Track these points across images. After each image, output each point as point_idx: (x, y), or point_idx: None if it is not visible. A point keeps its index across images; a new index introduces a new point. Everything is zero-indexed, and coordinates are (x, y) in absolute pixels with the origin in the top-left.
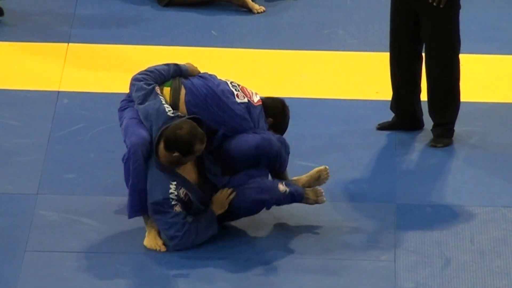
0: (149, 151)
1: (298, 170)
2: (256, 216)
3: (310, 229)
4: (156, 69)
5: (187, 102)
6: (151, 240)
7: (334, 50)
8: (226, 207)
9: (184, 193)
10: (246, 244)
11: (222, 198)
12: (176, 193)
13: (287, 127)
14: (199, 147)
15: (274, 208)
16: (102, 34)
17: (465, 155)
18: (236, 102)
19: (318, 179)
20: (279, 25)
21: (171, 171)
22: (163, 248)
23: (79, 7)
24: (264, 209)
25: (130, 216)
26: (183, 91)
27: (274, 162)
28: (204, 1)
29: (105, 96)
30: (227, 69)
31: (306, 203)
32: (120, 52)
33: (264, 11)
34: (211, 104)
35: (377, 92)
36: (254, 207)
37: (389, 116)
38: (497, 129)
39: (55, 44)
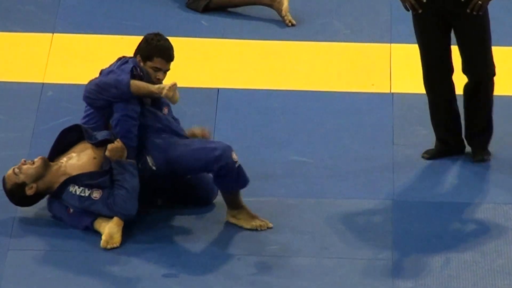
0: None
1: (292, 166)
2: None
3: (305, 226)
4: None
5: None
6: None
7: (328, 41)
8: (124, 150)
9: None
10: (238, 242)
11: (116, 146)
12: (81, 188)
13: (160, 48)
14: (20, 183)
15: (267, 205)
16: (89, 24)
17: (465, 150)
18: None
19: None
20: (272, 15)
21: (58, 190)
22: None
23: None
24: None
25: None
26: None
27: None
28: (242, 4)
29: None
30: (218, 61)
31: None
32: (107, 42)
33: (294, 25)
34: None
35: (372, 85)
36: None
37: (385, 109)
38: (497, 123)
39: (39, 34)
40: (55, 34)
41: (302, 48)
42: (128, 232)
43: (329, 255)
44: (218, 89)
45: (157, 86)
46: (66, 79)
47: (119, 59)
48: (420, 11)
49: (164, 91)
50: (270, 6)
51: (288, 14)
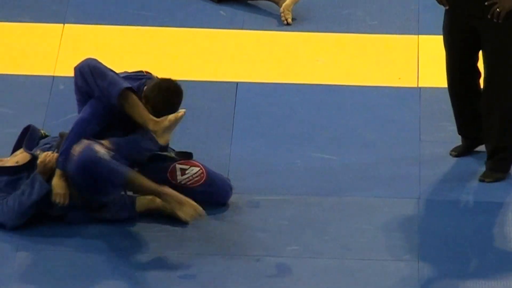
0: None
1: (314, 163)
2: (267, 213)
3: (327, 226)
4: None
5: None
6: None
7: (353, 32)
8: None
9: None
10: (256, 243)
11: (49, 161)
12: None
13: (167, 104)
14: None
15: (287, 204)
16: (101, 14)
17: None
18: None
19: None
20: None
21: None
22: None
23: None
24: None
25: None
26: None
27: None
28: None
29: None
30: (236, 53)
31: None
32: (120, 33)
33: (289, 24)
34: None
35: (399, 78)
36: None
37: (412, 104)
38: None
39: (49, 25)
40: (66, 24)
41: (325, 40)
42: (143, 232)
43: (352, 256)
44: (236, 83)
45: (154, 121)
46: None
47: (137, 72)
48: (447, 7)
49: (157, 128)
50: (276, 2)
51: (287, 12)
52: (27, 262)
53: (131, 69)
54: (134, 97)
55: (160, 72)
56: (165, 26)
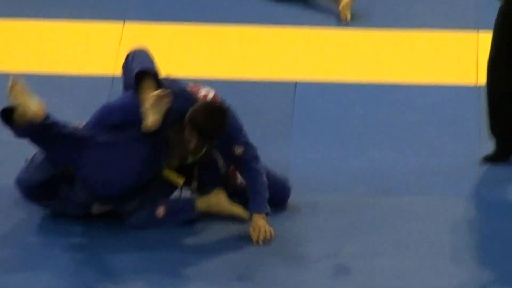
0: None
1: (372, 162)
2: (326, 213)
3: (385, 226)
4: None
5: None
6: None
7: (410, 28)
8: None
9: None
10: (314, 244)
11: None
12: None
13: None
14: None
15: (345, 203)
16: (163, 11)
17: None
18: None
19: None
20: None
21: None
22: None
23: None
24: None
25: None
26: None
27: None
28: None
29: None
30: (295, 51)
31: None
32: (180, 31)
33: (347, 21)
34: None
35: (459, 76)
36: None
37: (471, 102)
38: None
39: (109, 22)
40: (126, 22)
41: (384, 37)
42: (201, 232)
43: (410, 257)
44: (295, 82)
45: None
46: None
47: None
48: (502, 3)
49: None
50: (335, 0)
51: (346, 9)
52: (82, 265)
53: (191, 68)
54: (150, 82)
55: (218, 71)
56: (224, 24)
